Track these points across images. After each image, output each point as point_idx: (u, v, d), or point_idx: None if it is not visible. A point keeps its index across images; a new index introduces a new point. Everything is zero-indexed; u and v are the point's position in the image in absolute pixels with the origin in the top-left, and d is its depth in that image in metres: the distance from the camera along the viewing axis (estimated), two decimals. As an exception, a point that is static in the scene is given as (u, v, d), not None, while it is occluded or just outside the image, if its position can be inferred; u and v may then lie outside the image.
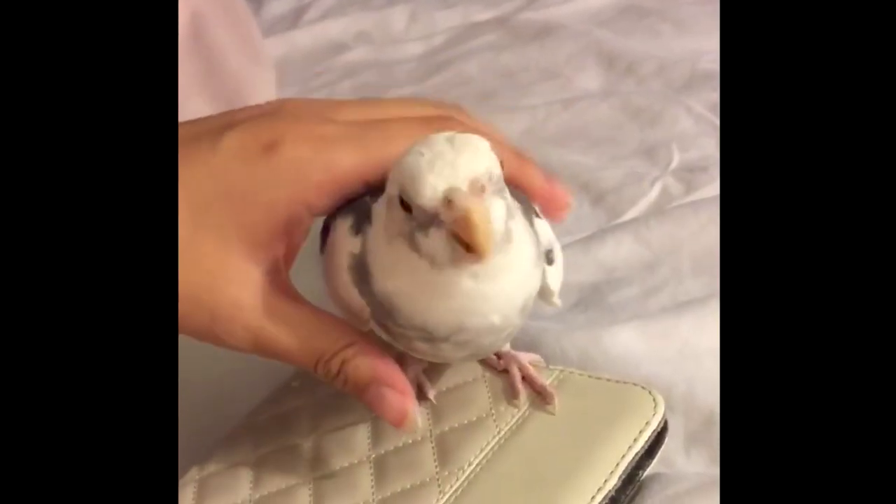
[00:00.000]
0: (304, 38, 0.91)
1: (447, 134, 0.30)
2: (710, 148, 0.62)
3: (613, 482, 0.34)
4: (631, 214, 0.55)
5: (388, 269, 0.32)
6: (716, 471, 0.37)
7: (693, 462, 0.38)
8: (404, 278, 0.32)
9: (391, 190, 0.31)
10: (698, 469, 0.37)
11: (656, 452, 0.36)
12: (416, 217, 0.30)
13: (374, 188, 0.35)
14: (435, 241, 0.30)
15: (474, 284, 0.31)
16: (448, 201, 0.29)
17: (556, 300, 0.37)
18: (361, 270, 0.34)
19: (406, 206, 0.30)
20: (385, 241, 0.32)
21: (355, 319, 0.35)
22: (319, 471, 0.38)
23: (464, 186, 0.29)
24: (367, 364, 0.34)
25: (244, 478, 0.39)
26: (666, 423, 0.36)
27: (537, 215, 0.37)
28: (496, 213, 0.30)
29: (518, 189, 0.35)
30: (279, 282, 0.35)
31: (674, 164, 0.60)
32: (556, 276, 0.36)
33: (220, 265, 0.33)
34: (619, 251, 0.51)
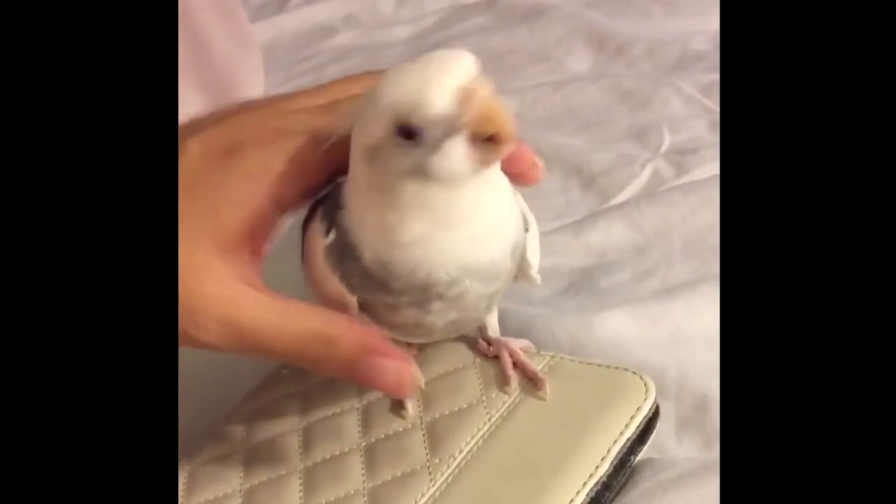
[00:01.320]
0: (291, 22, 0.90)
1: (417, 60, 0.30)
2: (701, 130, 0.61)
3: (605, 468, 0.34)
4: (622, 198, 0.55)
5: (386, 226, 0.32)
6: (707, 455, 0.37)
7: (685, 447, 0.38)
8: (419, 222, 0.31)
9: (376, 133, 0.30)
10: (690, 454, 0.37)
11: (648, 438, 0.36)
12: (427, 136, 0.29)
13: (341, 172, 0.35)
14: (453, 151, 0.30)
15: (494, 198, 0.32)
16: (466, 96, 0.29)
17: (535, 274, 0.37)
18: (343, 252, 0.33)
19: (408, 133, 0.30)
20: (377, 200, 0.32)
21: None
22: (310, 460, 0.38)
23: (471, 82, 0.29)
24: (353, 338, 0.33)
25: (234, 468, 0.38)
26: (657, 408, 0.36)
27: None
28: None
29: None
30: (250, 276, 0.34)
31: (664, 147, 0.59)
32: (533, 247, 0.36)
33: (185, 263, 0.32)
34: (609, 235, 0.51)
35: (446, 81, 0.29)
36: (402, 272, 0.32)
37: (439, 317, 0.34)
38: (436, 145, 0.30)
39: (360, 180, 0.32)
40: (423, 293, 0.33)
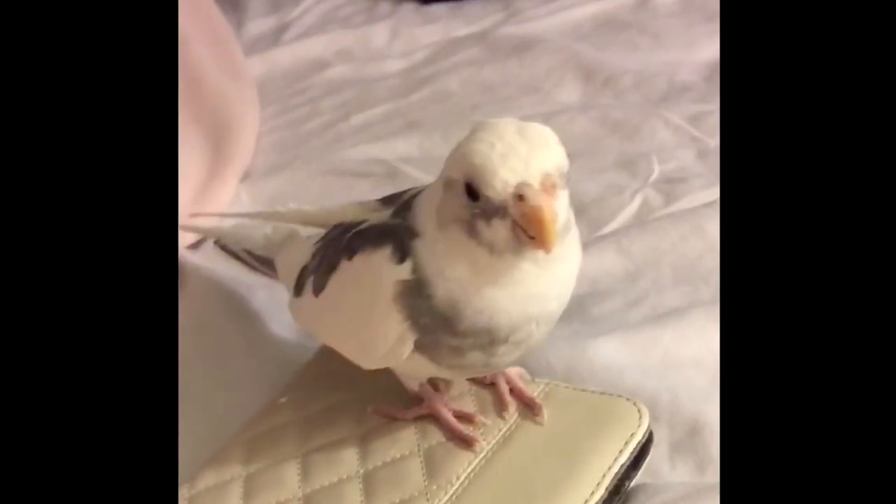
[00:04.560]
0: (285, 56, 0.91)
1: (516, 123, 0.31)
2: (688, 159, 0.62)
3: (600, 494, 0.34)
4: (612, 227, 0.56)
5: (444, 260, 0.32)
6: (701, 479, 0.37)
7: (678, 471, 0.38)
8: (463, 266, 0.32)
9: (453, 174, 0.31)
10: (683, 478, 0.38)
11: (642, 463, 0.36)
12: (482, 206, 0.31)
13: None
14: (497, 230, 0.31)
15: (536, 269, 0.32)
16: (519, 196, 0.30)
17: None
18: (417, 290, 0.33)
19: (472, 193, 0.31)
20: (437, 227, 0.33)
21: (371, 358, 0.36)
22: (309, 487, 0.38)
23: (536, 182, 0.30)
24: None
25: (234, 495, 0.39)
26: (651, 433, 0.37)
27: None
28: (561, 207, 0.31)
29: None
30: None
31: (653, 176, 0.60)
32: None
33: None
34: (601, 263, 0.51)
35: (514, 173, 0.30)
36: (467, 313, 0.33)
37: (504, 357, 0.35)
38: (487, 215, 0.31)
39: (439, 206, 0.33)
40: (489, 336, 0.33)
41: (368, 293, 0.35)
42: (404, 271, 0.33)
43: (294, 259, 0.42)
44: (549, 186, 0.30)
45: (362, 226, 0.37)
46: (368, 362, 0.37)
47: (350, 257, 0.36)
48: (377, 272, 0.34)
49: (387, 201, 0.39)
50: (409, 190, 0.38)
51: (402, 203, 0.36)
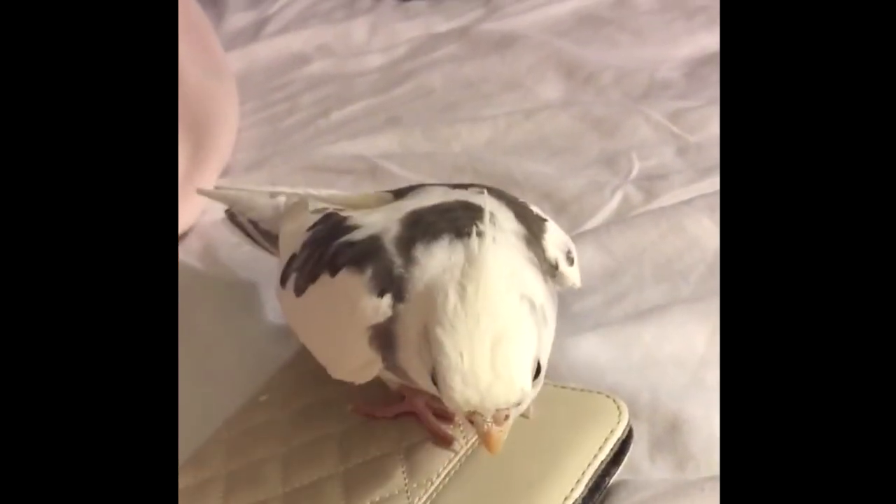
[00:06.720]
0: (265, 51, 0.91)
1: (493, 335, 0.30)
2: (668, 156, 0.63)
3: (580, 490, 0.34)
4: (592, 223, 0.56)
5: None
6: (681, 476, 0.38)
7: (658, 468, 0.38)
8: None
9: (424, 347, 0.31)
10: (664, 475, 0.38)
11: (622, 459, 0.36)
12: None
13: None
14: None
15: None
16: (474, 420, 0.31)
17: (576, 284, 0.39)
18: (387, 342, 0.34)
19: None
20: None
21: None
22: (289, 485, 0.38)
23: (488, 415, 0.30)
24: None
25: (214, 494, 0.39)
26: (631, 430, 0.37)
27: (544, 220, 0.38)
28: (516, 410, 0.31)
29: None
30: None
31: (634, 173, 0.61)
32: (576, 272, 0.39)
33: None
34: (581, 260, 0.51)
35: (471, 401, 0.30)
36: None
37: None
38: None
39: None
40: None
41: (343, 317, 0.35)
42: (381, 312, 0.33)
43: (288, 243, 0.42)
44: (500, 417, 0.31)
45: (350, 235, 0.37)
46: (338, 375, 0.37)
47: (332, 273, 0.36)
48: (354, 299, 0.34)
49: (398, 195, 0.40)
50: (419, 185, 0.40)
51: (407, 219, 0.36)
